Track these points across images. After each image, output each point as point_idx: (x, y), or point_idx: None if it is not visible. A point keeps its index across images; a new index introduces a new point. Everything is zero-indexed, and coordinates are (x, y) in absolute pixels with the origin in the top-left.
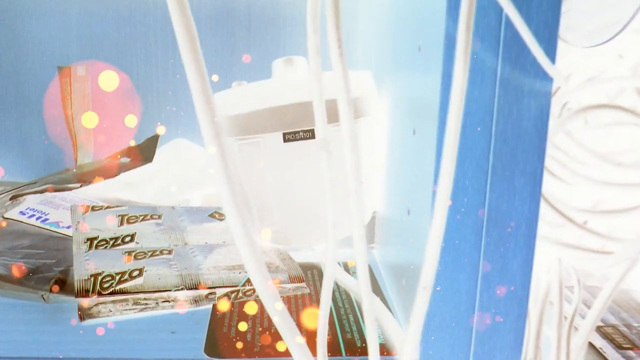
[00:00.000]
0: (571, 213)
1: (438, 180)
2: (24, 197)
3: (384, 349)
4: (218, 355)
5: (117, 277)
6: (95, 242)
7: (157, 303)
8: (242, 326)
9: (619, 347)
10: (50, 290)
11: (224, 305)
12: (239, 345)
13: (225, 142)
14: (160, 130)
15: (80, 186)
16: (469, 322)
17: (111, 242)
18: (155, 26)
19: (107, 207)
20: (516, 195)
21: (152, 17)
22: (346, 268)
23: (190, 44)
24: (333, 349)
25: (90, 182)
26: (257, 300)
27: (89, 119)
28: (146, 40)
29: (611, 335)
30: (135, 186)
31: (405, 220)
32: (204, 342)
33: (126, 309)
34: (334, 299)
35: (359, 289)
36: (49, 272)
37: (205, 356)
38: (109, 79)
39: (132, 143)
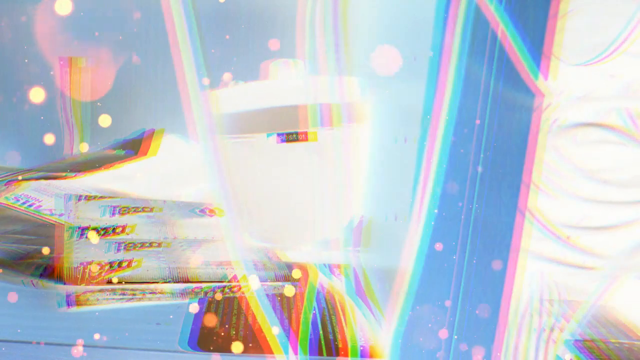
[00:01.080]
0: (556, 228)
1: (423, 186)
2: (19, 183)
3: (366, 351)
4: (202, 347)
5: (107, 267)
6: (87, 231)
7: (144, 294)
8: (227, 320)
9: None
10: (40, 276)
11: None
12: (223, 338)
13: (219, 140)
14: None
15: (75, 176)
16: (451, 328)
17: (102, 232)
18: (156, 22)
19: (101, 198)
20: (502, 207)
21: (153, 14)
22: (332, 270)
23: (188, 42)
24: (318, 348)
25: (85, 173)
26: (244, 296)
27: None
28: (146, 36)
29: (589, 350)
30: (129, 179)
31: (393, 225)
32: (188, 334)
33: (113, 298)
34: (318, 299)
35: (345, 290)
36: (39, 258)
37: (189, 348)
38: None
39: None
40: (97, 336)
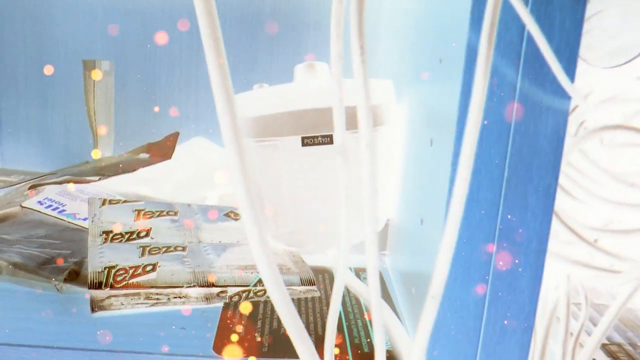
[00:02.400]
0: (582, 231)
1: (452, 191)
2: (43, 187)
3: (391, 356)
4: (227, 353)
5: (131, 271)
6: (111, 235)
7: (168, 298)
8: (252, 326)
9: None
10: (64, 281)
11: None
12: (248, 344)
13: (244, 143)
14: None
15: (99, 179)
16: (476, 334)
17: (126, 236)
18: (180, 22)
19: (125, 202)
20: (529, 210)
21: (178, 16)
22: (357, 274)
23: (214, 45)
24: (341, 353)
25: (109, 176)
26: (268, 301)
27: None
28: (171, 40)
29: (616, 354)
30: (153, 182)
31: (418, 229)
32: (214, 339)
33: (138, 303)
34: (343, 304)
35: (369, 294)
36: (63, 262)
37: (214, 354)
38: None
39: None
40: (121, 341)
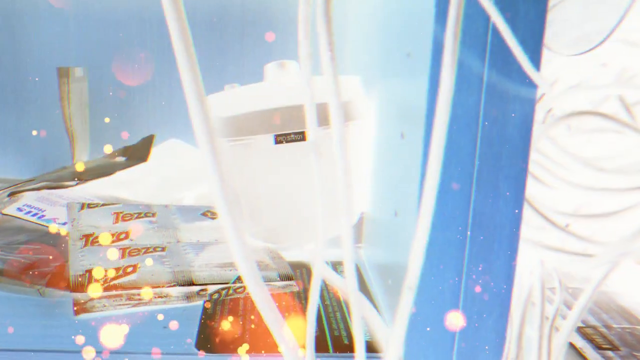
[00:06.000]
0: (554, 216)
1: (424, 182)
2: (22, 193)
3: (371, 347)
4: (209, 350)
5: (112, 273)
6: (91, 238)
7: (150, 299)
8: (233, 322)
9: (598, 347)
10: (46, 285)
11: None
12: (229, 340)
13: (217, 143)
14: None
15: (77, 184)
16: (452, 322)
17: (107, 239)
18: (151, 29)
19: (103, 205)
20: (500, 198)
21: (148, 20)
22: (334, 267)
23: (185, 47)
24: (321, 345)
25: (86, 180)
26: (248, 297)
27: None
28: (142, 42)
29: (591, 336)
30: (130, 185)
31: (393, 221)
32: (196, 337)
33: (120, 304)
34: (322, 297)
35: (346, 287)
36: (45, 267)
37: (197, 351)
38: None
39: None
40: (105, 342)
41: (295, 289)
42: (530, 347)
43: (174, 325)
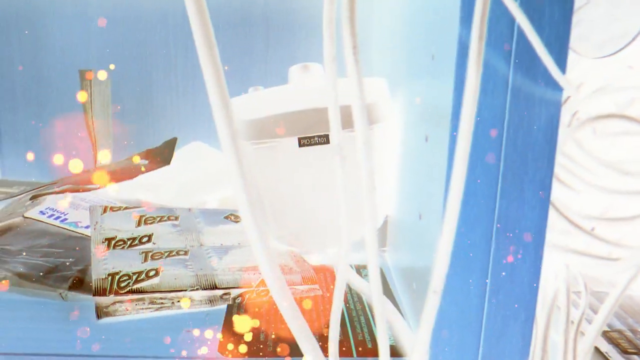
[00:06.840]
0: (579, 220)
1: (449, 186)
2: (44, 197)
3: (394, 351)
4: (232, 354)
5: (134, 277)
6: (113, 242)
7: (172, 302)
8: (256, 326)
9: (624, 351)
10: (69, 289)
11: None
12: (252, 344)
13: (241, 146)
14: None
15: (99, 187)
16: (478, 327)
17: (129, 242)
18: (174, 31)
19: (126, 208)
20: (525, 202)
21: (172, 23)
22: (358, 271)
23: (208, 49)
24: (344, 349)
25: (109, 184)
26: (271, 301)
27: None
28: (166, 45)
29: (617, 340)
30: (153, 188)
31: (417, 225)
32: (219, 341)
33: (142, 308)
34: (345, 301)
35: (370, 291)
36: (67, 271)
37: (219, 355)
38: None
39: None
40: (128, 346)
41: (319, 292)
42: (556, 351)
43: (196, 329)
